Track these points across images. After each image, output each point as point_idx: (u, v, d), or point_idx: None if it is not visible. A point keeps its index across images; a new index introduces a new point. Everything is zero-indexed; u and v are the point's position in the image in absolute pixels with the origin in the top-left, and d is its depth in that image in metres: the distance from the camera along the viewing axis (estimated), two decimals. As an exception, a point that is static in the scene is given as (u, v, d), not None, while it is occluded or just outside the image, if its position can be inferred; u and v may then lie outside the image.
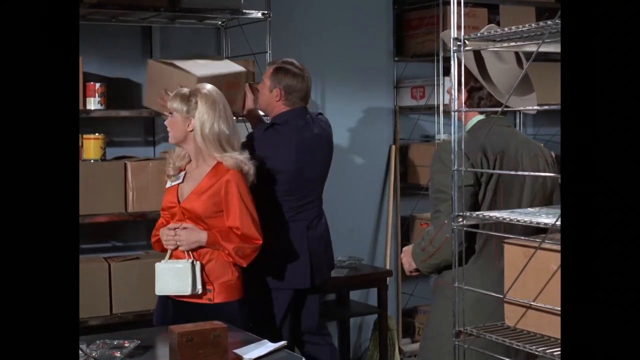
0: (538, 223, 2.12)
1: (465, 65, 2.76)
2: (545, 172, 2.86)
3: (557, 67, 4.94)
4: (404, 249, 3.01)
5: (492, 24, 2.87)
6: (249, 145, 3.67)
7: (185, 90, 3.37)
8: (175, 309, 3.37)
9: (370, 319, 5.17)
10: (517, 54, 2.85)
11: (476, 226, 2.54)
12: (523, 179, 2.84)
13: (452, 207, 2.37)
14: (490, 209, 2.75)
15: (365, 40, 5.29)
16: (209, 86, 3.41)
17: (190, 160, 3.41)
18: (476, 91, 2.87)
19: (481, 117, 2.89)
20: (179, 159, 3.41)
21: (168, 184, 3.41)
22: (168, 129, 3.38)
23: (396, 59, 5.41)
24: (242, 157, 3.34)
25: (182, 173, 3.40)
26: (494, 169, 2.76)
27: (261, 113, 4.06)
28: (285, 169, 3.70)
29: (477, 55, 2.84)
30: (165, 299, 3.40)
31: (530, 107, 2.97)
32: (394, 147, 5.41)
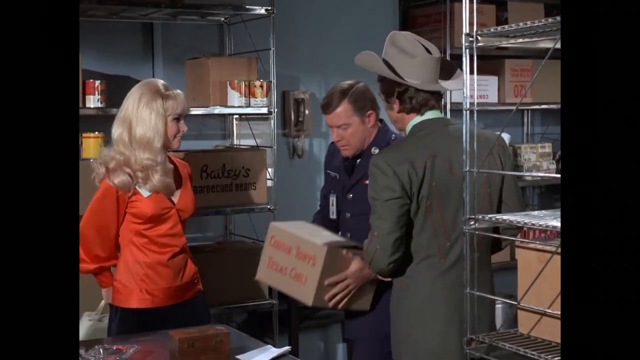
0: (554, 227, 2.04)
1: (383, 77, 2.86)
2: (490, 164, 2.79)
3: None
4: None
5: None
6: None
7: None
8: (157, 315, 3.23)
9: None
10: (422, 44, 2.86)
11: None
12: (460, 179, 2.77)
13: (464, 209, 2.29)
14: (427, 215, 2.76)
15: (371, 37, 5.17)
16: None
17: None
18: (403, 94, 2.84)
19: (419, 119, 2.86)
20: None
21: (146, 193, 3.17)
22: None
23: (402, 56, 5.31)
24: None
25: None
26: (424, 175, 2.73)
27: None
28: None
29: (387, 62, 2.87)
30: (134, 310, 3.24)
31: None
32: (399, 146, 5.31)
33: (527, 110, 5.70)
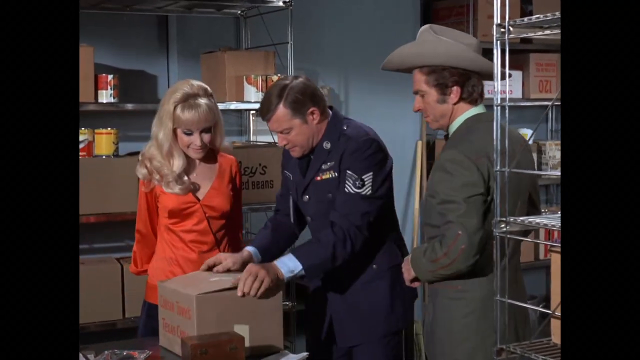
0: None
1: (440, 65, 2.68)
2: (529, 163, 2.72)
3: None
4: (405, 258, 2.87)
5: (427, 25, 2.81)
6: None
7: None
8: None
9: (395, 322, 4.97)
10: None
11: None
12: (527, 178, 2.71)
13: (495, 212, 2.15)
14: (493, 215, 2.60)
15: (391, 30, 5.12)
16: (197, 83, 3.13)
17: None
18: (467, 81, 2.70)
19: (474, 112, 2.73)
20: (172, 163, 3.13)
21: (171, 191, 3.11)
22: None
23: (423, 50, 5.20)
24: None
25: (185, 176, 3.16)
26: None
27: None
28: None
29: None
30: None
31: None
32: (420, 143, 5.25)
33: (552, 105, 5.55)
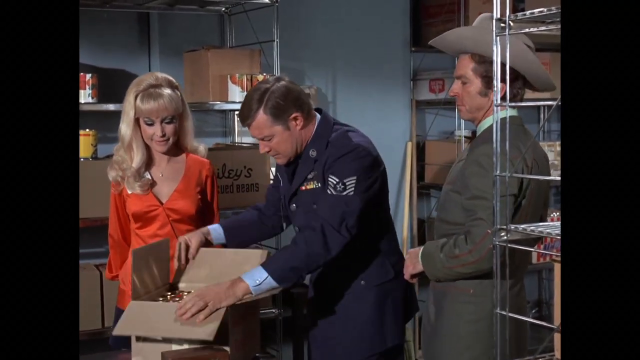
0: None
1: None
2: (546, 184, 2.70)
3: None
4: (410, 251, 2.78)
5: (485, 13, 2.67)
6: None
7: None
8: None
9: (384, 328, 4.86)
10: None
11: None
12: (545, 187, 2.64)
13: (494, 219, 2.03)
14: (519, 220, 2.52)
15: (380, 28, 5.06)
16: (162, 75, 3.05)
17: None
18: (514, 82, 2.58)
19: (511, 112, 2.59)
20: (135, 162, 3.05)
21: (131, 190, 3.05)
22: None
23: (413, 49, 5.17)
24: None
25: (147, 174, 3.09)
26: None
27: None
28: None
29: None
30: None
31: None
32: (410, 144, 5.18)
33: (544, 106, 5.47)
